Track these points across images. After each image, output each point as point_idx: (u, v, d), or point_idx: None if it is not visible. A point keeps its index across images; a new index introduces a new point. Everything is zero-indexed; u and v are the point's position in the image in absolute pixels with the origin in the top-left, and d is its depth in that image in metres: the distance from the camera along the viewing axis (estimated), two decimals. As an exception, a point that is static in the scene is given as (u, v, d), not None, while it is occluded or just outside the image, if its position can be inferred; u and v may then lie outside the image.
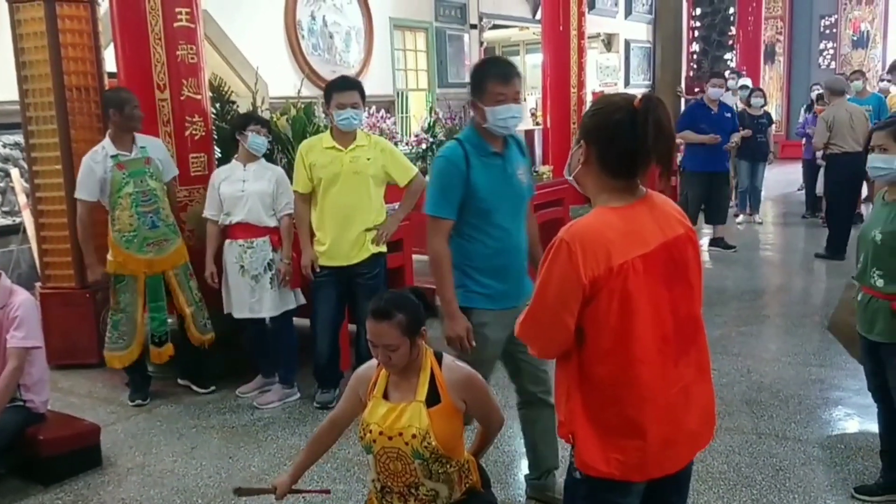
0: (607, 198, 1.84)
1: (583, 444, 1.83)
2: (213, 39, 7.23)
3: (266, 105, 5.55)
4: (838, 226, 7.57)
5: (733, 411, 4.07)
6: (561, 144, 7.84)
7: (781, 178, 12.82)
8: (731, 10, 14.39)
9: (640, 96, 1.83)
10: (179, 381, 4.69)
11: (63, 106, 4.90)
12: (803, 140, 10.09)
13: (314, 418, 4.15)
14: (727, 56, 14.27)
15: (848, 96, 7.99)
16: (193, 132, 4.72)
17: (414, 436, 2.17)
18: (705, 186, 7.91)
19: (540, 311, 1.82)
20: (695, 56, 14.44)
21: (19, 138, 5.57)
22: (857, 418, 3.97)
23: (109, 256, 4.33)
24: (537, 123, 10.34)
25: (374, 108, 6.98)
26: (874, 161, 3.05)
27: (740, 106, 9.56)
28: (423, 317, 2.26)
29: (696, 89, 12.59)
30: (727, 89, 8.80)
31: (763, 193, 10.12)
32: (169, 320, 4.50)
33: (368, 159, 4.13)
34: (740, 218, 9.65)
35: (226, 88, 5.41)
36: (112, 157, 4.26)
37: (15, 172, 6.02)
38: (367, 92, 4.31)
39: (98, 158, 4.27)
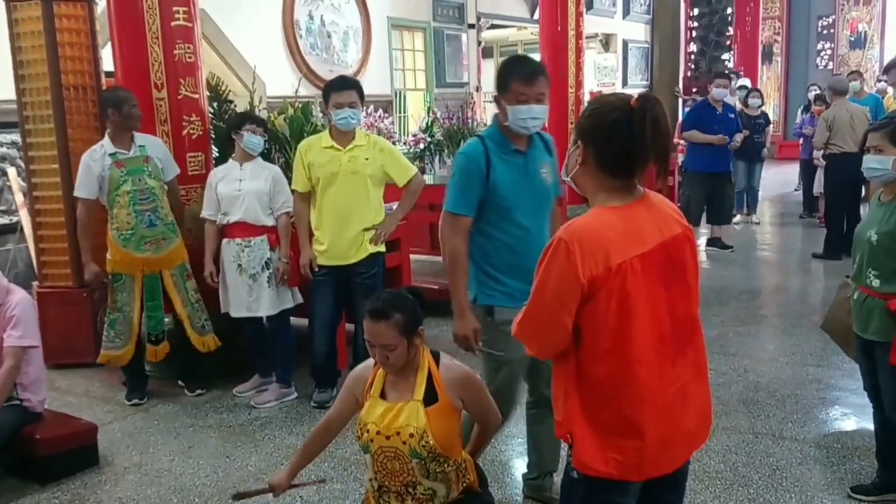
0: (605, 197, 1.84)
1: (580, 443, 1.83)
2: (211, 38, 7.23)
3: (264, 104, 5.54)
4: (838, 226, 7.57)
5: (730, 411, 4.08)
6: (559, 144, 7.72)
7: (779, 179, 12.83)
8: (729, 11, 14.42)
9: (636, 96, 1.83)
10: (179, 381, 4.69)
11: (60, 105, 4.89)
12: (800, 140, 10.11)
13: (311, 418, 4.15)
14: (725, 56, 14.29)
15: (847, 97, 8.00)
16: (191, 131, 4.72)
17: (412, 435, 2.17)
18: (708, 187, 7.91)
19: (538, 311, 1.82)
20: (692, 56, 14.46)
21: (16, 137, 5.56)
22: (853, 418, 3.97)
23: (108, 255, 4.33)
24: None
25: (371, 107, 6.98)
26: (869, 162, 3.05)
27: (738, 106, 9.57)
28: (421, 316, 2.26)
29: (694, 89, 12.61)
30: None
31: (760, 193, 10.14)
32: (166, 319, 4.50)
33: (367, 159, 4.13)
34: (737, 218, 9.66)
35: (223, 88, 5.40)
36: (110, 155, 4.26)
37: (12, 171, 6.01)
38: (365, 92, 4.31)
39: (96, 156, 4.27)
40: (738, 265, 7.57)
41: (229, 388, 4.58)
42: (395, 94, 10.30)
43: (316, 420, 3.79)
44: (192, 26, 4.67)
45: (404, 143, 7.64)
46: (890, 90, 10.14)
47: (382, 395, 2.27)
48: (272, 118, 5.13)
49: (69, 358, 4.99)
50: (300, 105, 5.32)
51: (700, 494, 3.23)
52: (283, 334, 4.46)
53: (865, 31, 16.89)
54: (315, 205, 4.17)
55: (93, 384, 4.81)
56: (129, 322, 4.34)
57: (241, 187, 4.29)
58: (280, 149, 5.10)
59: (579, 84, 8.14)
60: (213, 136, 4.99)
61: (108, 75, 5.09)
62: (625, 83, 14.72)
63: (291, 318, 4.55)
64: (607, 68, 14.67)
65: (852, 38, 17.02)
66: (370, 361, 2.31)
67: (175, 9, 4.55)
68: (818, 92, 10.48)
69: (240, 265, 4.30)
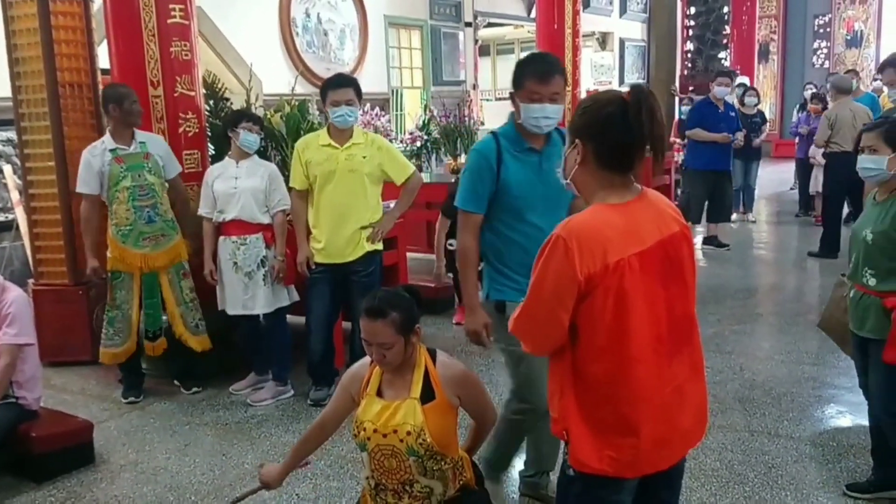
0: (604, 195, 1.84)
1: (576, 441, 1.83)
2: (207, 36, 7.23)
3: (260, 102, 5.54)
4: (834, 224, 7.56)
5: (726, 409, 4.08)
6: (556, 142, 7.82)
7: (775, 177, 12.85)
8: (726, 9, 14.44)
9: (628, 89, 1.84)
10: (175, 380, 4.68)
11: (56, 102, 4.88)
12: (797, 139, 10.12)
13: (308, 416, 4.15)
14: (721, 55, 14.31)
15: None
16: (187, 129, 4.71)
17: (409, 433, 2.17)
18: (709, 185, 7.91)
19: (535, 307, 1.82)
20: (689, 55, 14.49)
21: (12, 135, 5.55)
22: (849, 416, 3.98)
23: (108, 252, 4.32)
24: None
25: (368, 105, 6.97)
26: (864, 162, 3.06)
27: (735, 104, 9.58)
28: (417, 315, 2.26)
29: (691, 88, 12.63)
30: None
31: (756, 192, 10.15)
32: (164, 317, 4.49)
33: (364, 157, 4.13)
34: (734, 216, 9.67)
35: (220, 85, 5.40)
36: (110, 150, 4.26)
37: (8, 169, 6.00)
38: (362, 89, 4.30)
39: (96, 152, 4.27)
40: (735, 263, 7.58)
41: (225, 386, 4.58)
42: (392, 91, 10.30)
43: (312, 418, 3.77)
44: (189, 23, 4.66)
45: (401, 142, 7.63)
46: (886, 89, 10.16)
47: (379, 394, 2.27)
48: (268, 116, 5.12)
49: (65, 356, 4.98)
50: (297, 103, 5.31)
51: (696, 492, 3.23)
52: (280, 332, 4.46)
53: (862, 30, 16.92)
54: (312, 203, 4.17)
55: (89, 382, 4.80)
56: (128, 320, 4.34)
57: (237, 185, 4.28)
58: (276, 147, 5.09)
59: (576, 82, 8.16)
60: (210, 133, 4.98)
61: (105, 73, 5.08)
62: (621, 81, 14.72)
63: (288, 316, 4.54)
64: (604, 67, 14.69)
65: (848, 37, 17.04)
66: (367, 359, 2.31)
67: (171, 6, 4.54)
68: (814, 90, 10.50)
69: (236, 263, 4.29)
